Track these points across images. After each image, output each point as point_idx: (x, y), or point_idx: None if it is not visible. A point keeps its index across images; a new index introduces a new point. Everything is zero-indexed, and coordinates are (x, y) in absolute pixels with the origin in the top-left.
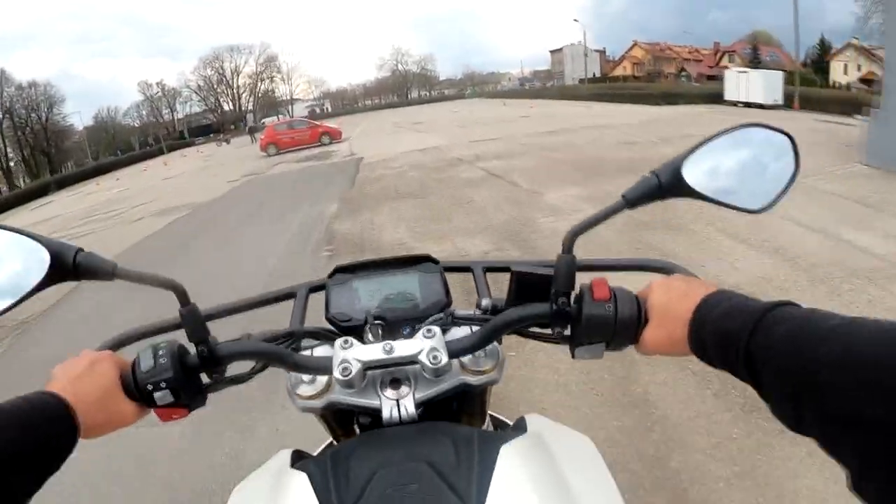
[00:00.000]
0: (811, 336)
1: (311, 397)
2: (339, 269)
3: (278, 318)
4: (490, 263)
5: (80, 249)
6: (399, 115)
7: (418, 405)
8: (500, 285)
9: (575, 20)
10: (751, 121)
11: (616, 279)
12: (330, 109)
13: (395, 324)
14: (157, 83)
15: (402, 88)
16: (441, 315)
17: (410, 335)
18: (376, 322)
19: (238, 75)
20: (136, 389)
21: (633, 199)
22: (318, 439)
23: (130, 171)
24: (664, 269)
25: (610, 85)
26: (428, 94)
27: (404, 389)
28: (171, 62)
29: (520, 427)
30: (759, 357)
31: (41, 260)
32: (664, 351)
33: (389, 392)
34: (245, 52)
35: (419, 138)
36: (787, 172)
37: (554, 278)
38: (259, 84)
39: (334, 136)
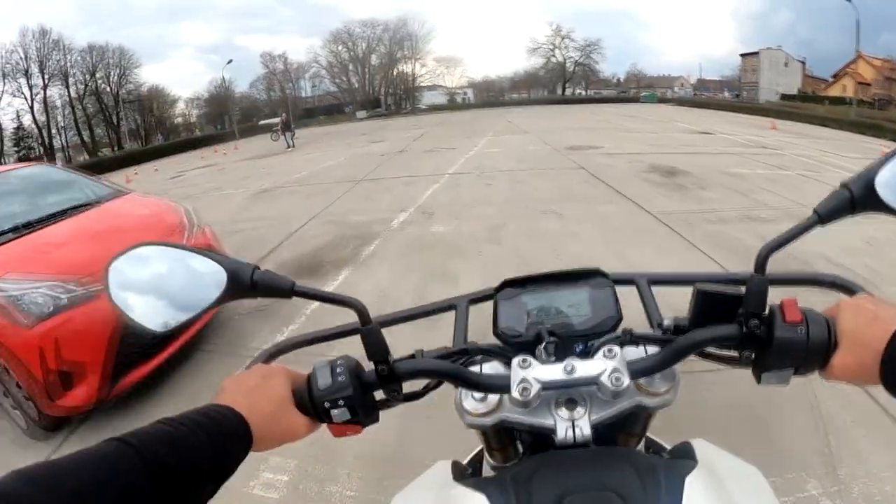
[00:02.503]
0: None
1: (481, 414)
2: (508, 283)
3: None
4: (658, 276)
5: (257, 267)
6: (579, 127)
7: (593, 426)
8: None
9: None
10: None
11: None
12: (472, 100)
13: (567, 340)
14: (280, 56)
15: (557, 82)
16: (619, 333)
17: (585, 353)
18: (551, 339)
19: (372, 54)
20: (312, 405)
21: (825, 215)
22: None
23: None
24: (849, 289)
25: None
26: (584, 92)
27: (580, 410)
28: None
29: (687, 454)
30: None
31: (220, 278)
32: (852, 379)
33: (564, 412)
34: (379, 27)
35: None
36: None
37: (745, 298)
38: (393, 66)
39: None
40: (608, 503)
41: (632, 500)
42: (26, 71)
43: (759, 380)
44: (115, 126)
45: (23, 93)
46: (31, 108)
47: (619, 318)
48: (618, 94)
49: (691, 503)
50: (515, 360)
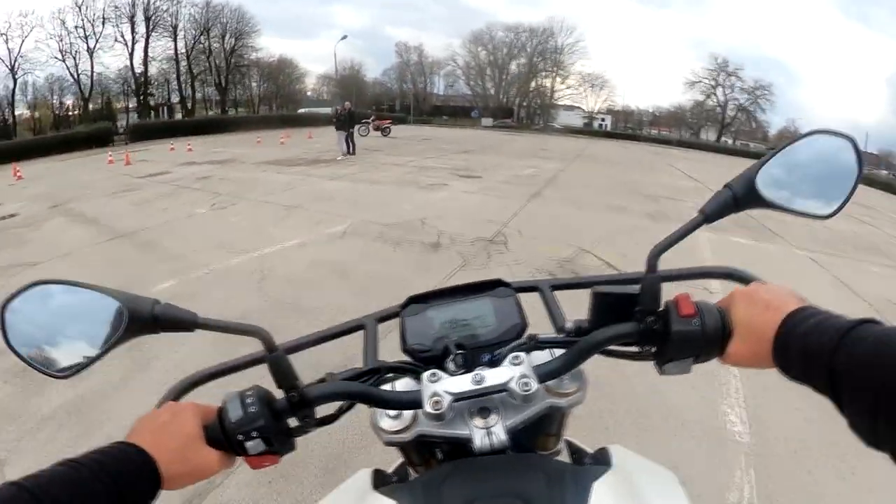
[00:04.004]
0: (891, 353)
1: (397, 431)
2: (412, 300)
3: None
4: (559, 282)
5: (157, 302)
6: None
7: (508, 432)
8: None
9: None
10: (816, 128)
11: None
12: (608, 127)
13: (475, 351)
14: (415, 47)
15: (704, 125)
16: (524, 340)
17: (492, 362)
18: (459, 352)
19: (513, 61)
20: (226, 439)
21: (711, 214)
22: None
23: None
24: (742, 278)
25: None
26: (731, 142)
27: (493, 418)
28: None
29: (603, 459)
30: (841, 374)
31: (119, 315)
32: (748, 364)
33: (478, 421)
34: (524, 34)
35: None
36: (852, 175)
37: (640, 297)
38: (533, 76)
39: None
40: None
41: None
42: (132, 17)
43: (661, 371)
44: (222, 88)
45: (124, 38)
46: (131, 54)
47: (525, 326)
48: (766, 151)
49: None
50: (425, 375)
